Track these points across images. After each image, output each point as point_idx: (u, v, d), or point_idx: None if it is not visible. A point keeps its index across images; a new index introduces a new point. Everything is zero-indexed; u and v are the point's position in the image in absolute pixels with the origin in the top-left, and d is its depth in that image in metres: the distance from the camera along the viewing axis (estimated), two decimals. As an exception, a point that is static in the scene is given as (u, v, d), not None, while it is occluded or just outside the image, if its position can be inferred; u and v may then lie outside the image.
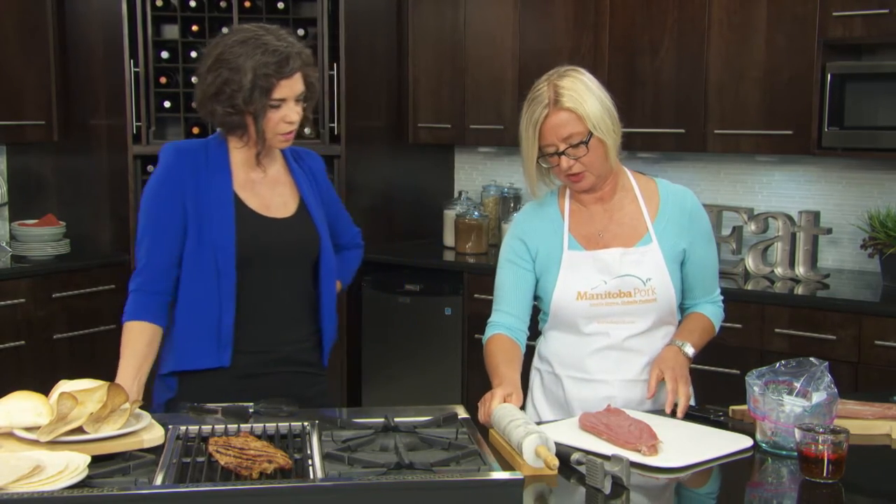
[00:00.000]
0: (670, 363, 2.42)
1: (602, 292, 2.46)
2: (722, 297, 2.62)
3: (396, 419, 2.08)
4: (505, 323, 2.52)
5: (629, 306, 2.46)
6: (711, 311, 2.58)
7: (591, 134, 2.38)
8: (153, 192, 2.51)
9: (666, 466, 2.02)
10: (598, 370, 2.49)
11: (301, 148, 2.73)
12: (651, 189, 2.54)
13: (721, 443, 2.16)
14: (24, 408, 1.98)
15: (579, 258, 2.48)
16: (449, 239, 5.09)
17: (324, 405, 2.59)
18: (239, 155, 2.54)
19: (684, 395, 2.37)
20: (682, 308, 2.59)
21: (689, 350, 2.47)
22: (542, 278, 2.53)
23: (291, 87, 2.43)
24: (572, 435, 2.18)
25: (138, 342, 2.45)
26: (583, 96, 2.38)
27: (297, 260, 2.58)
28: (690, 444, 2.14)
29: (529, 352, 2.60)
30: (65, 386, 2.05)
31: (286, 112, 2.44)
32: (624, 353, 2.48)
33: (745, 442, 2.16)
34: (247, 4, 4.74)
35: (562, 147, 2.39)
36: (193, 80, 2.54)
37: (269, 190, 2.57)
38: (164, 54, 4.70)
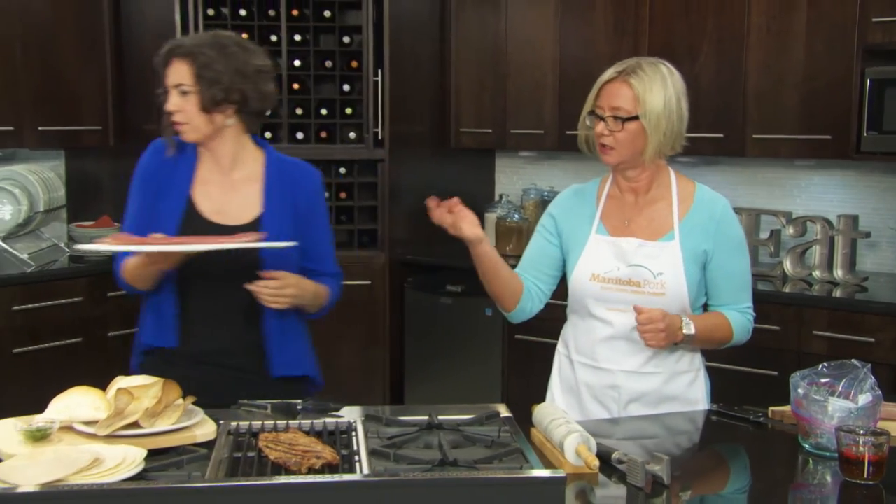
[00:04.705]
0: (661, 318, 2.38)
1: (613, 277, 2.52)
2: (753, 315, 2.59)
3: (440, 417, 2.10)
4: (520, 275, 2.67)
5: (637, 296, 2.49)
6: (735, 317, 2.55)
7: (636, 117, 2.44)
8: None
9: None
10: (604, 359, 2.56)
11: (302, 162, 2.75)
12: (688, 191, 2.59)
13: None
14: (82, 403, 2.03)
15: (602, 242, 2.56)
16: (490, 241, 5.10)
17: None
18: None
19: (648, 333, 2.39)
20: (707, 309, 2.60)
21: (690, 329, 2.44)
22: (568, 258, 2.62)
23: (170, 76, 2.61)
24: None
25: None
26: (653, 85, 2.45)
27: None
28: None
29: (555, 337, 2.73)
30: (121, 382, 2.09)
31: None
32: (630, 343, 2.52)
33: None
34: (294, 13, 4.82)
35: (607, 113, 2.48)
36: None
37: (224, 194, 2.68)
38: (214, 61, 4.78)
